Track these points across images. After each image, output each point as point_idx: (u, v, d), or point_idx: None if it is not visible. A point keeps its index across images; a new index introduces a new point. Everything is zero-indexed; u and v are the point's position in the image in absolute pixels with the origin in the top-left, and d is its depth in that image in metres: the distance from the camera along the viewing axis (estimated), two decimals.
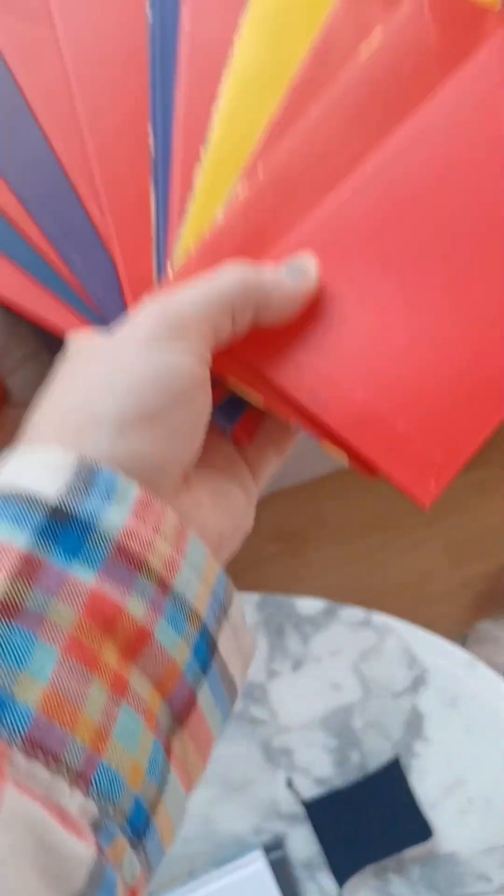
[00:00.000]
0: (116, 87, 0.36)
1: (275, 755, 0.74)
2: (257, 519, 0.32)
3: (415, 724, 0.75)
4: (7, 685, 0.21)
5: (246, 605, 0.79)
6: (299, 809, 0.72)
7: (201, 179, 0.34)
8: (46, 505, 0.24)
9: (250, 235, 0.33)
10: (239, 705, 0.74)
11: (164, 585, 0.25)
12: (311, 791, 0.73)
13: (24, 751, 0.21)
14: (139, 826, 0.23)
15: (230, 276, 0.29)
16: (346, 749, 0.74)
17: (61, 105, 0.35)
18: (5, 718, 0.21)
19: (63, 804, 0.21)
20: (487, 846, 0.69)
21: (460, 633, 1.23)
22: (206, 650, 0.25)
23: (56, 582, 0.23)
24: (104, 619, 0.23)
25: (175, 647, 0.25)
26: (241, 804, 0.72)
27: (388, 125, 0.35)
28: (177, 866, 0.69)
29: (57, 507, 0.24)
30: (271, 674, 0.77)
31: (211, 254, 0.32)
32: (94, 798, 0.22)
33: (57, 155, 0.34)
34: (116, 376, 0.27)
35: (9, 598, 0.22)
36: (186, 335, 0.27)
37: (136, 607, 0.24)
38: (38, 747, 0.21)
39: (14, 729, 0.21)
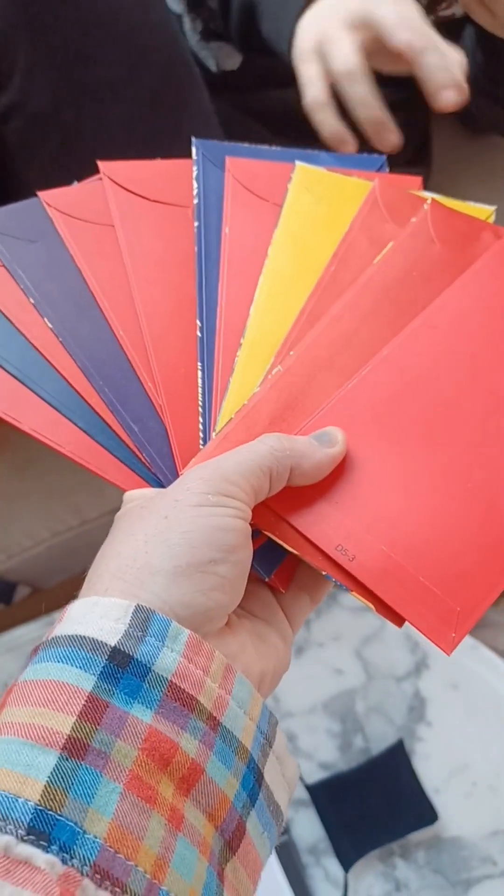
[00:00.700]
0: (168, 283, 0.42)
1: None
2: None
3: (417, 709, 0.74)
4: (79, 820, 0.23)
5: None
6: (304, 794, 0.70)
7: (240, 362, 0.39)
8: (108, 650, 0.26)
9: (282, 407, 0.37)
10: None
11: (213, 723, 0.27)
12: (315, 776, 0.71)
13: (94, 879, 0.23)
14: None
15: (268, 444, 0.33)
16: (349, 734, 0.73)
17: (121, 296, 0.41)
18: (77, 850, 0.23)
19: None
20: (492, 830, 0.68)
21: None
22: (253, 781, 0.27)
23: (118, 723, 0.25)
24: (161, 756, 0.25)
25: (225, 779, 0.27)
26: None
27: (399, 321, 0.41)
28: None
29: (117, 650, 0.26)
30: None
31: (250, 421, 0.36)
32: None
33: (118, 338, 0.40)
34: (171, 531, 0.30)
35: (77, 737, 0.24)
36: (232, 496, 0.31)
37: (189, 744, 0.26)
38: (106, 876, 0.23)
39: (85, 859, 0.23)
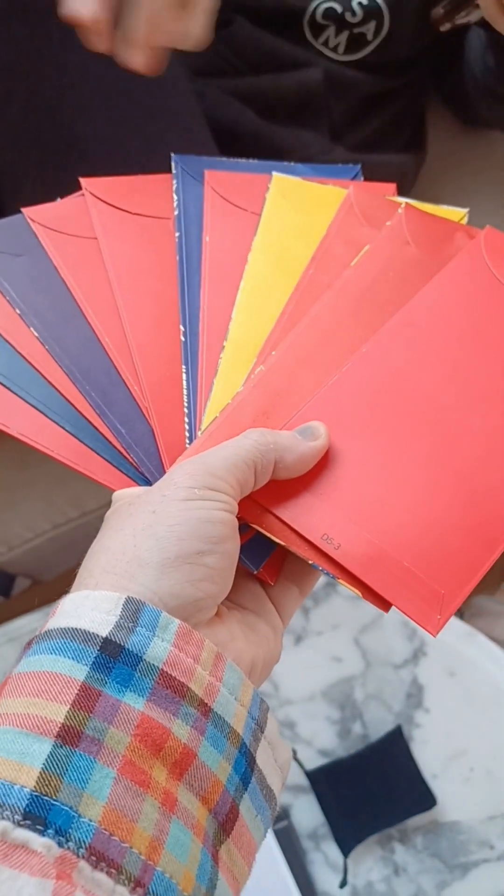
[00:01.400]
0: (151, 291, 0.43)
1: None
2: None
3: (415, 695, 0.75)
4: (74, 804, 0.24)
5: None
6: (303, 780, 0.70)
7: (224, 364, 0.40)
8: (100, 641, 0.27)
9: (266, 405, 0.38)
10: None
11: (204, 709, 0.27)
12: (314, 762, 0.72)
13: (89, 861, 0.23)
14: None
15: (252, 438, 0.34)
16: (348, 720, 0.74)
17: (105, 305, 0.42)
18: (73, 833, 0.23)
19: None
20: (489, 814, 0.70)
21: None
22: (245, 765, 0.28)
23: (111, 711, 0.26)
24: (153, 742, 0.26)
25: (217, 763, 0.27)
26: None
27: (377, 319, 0.42)
28: None
29: (108, 641, 0.27)
30: None
31: (234, 419, 0.37)
32: None
33: (103, 345, 0.41)
34: (159, 525, 0.30)
35: (71, 725, 0.25)
36: (218, 489, 0.32)
37: (180, 730, 0.27)
38: (101, 857, 0.23)
39: (80, 842, 0.23)
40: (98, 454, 0.37)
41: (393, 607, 0.34)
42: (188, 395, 0.39)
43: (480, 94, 0.81)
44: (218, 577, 0.31)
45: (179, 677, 0.27)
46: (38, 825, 0.23)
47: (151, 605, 0.28)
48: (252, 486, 0.34)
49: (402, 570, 0.34)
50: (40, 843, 0.23)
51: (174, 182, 0.48)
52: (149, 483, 0.37)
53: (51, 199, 0.47)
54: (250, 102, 0.76)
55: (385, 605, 0.34)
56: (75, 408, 0.38)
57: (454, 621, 0.78)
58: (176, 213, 0.47)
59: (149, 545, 0.30)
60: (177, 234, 0.46)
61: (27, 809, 0.23)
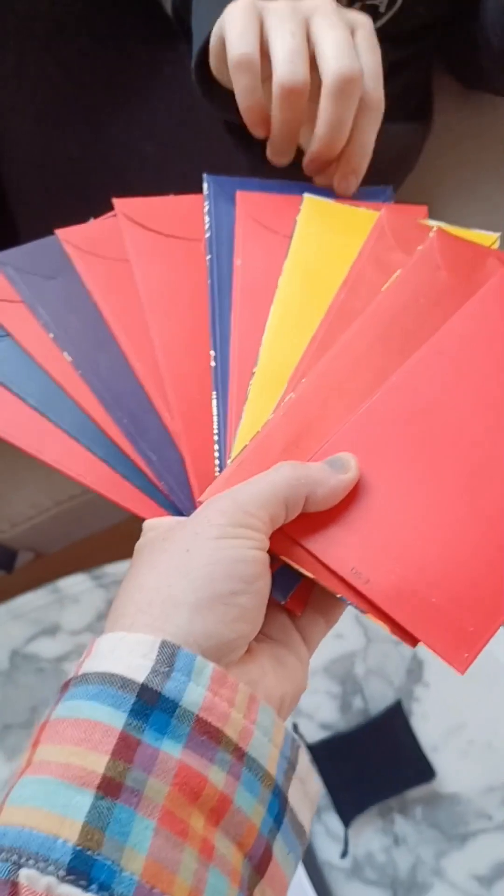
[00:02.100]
0: (182, 315, 0.43)
1: None
2: None
3: (415, 671, 0.77)
4: (116, 858, 0.24)
5: None
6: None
7: (254, 390, 0.41)
8: (137, 687, 0.27)
9: (295, 433, 0.38)
10: None
11: (239, 753, 0.28)
12: (316, 735, 0.74)
13: None
14: None
15: (284, 473, 0.34)
16: (349, 695, 0.76)
17: (137, 329, 0.42)
18: (115, 888, 0.24)
19: None
20: (487, 786, 0.72)
21: None
22: (278, 806, 0.28)
23: (150, 760, 0.26)
24: (191, 790, 0.26)
25: (252, 808, 0.28)
26: None
27: (408, 346, 0.41)
28: None
29: (146, 687, 0.27)
30: None
31: (264, 448, 0.37)
32: None
33: (134, 370, 0.41)
34: (193, 564, 0.31)
35: (111, 776, 0.25)
36: (250, 527, 0.32)
37: (217, 777, 0.27)
38: None
39: None
40: (129, 481, 0.37)
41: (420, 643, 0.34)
42: (218, 422, 0.39)
43: (497, 61, 0.78)
44: (250, 616, 0.31)
45: (215, 723, 0.28)
46: (81, 881, 0.23)
47: (186, 649, 0.29)
48: (283, 521, 0.34)
49: (431, 607, 0.34)
50: None
51: (206, 203, 0.48)
52: (179, 512, 0.37)
53: (81, 219, 0.47)
54: None
55: (413, 640, 0.34)
56: (107, 434, 0.38)
57: None
58: (207, 234, 0.47)
59: (182, 585, 0.30)
60: (208, 257, 0.46)
61: (71, 865, 0.24)
